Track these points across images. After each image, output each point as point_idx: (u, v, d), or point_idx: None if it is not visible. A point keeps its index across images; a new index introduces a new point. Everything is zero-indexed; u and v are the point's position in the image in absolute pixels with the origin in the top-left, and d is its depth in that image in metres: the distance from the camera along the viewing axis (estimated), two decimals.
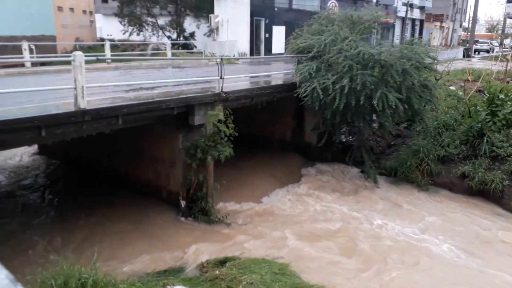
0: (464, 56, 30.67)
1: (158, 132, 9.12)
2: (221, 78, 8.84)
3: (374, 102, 9.73)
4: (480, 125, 11.35)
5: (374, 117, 11.39)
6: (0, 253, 6.72)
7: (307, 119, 12.87)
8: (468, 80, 14.29)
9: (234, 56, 22.24)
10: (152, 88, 9.27)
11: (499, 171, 10.28)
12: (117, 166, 10.50)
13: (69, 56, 6.53)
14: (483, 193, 10.27)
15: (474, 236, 8.60)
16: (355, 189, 11.01)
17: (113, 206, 9.15)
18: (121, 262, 7.03)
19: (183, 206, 8.84)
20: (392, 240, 8.33)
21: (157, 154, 9.40)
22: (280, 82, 11.98)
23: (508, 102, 11.42)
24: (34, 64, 13.37)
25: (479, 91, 13.82)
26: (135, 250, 7.52)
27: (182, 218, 8.79)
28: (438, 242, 8.26)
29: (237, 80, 10.86)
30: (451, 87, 14.91)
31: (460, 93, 13.63)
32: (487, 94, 12.69)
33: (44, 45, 19.44)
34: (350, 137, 13.26)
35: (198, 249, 7.59)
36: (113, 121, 7.29)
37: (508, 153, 10.54)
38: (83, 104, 6.54)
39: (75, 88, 6.44)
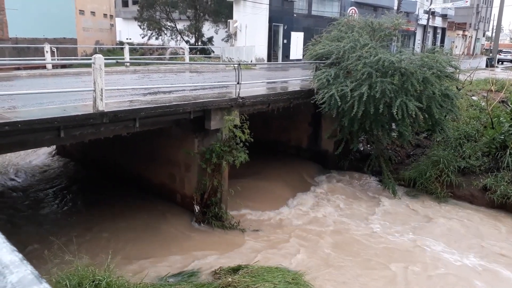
0: (487, 66, 29.96)
1: (174, 135, 9.13)
2: (238, 83, 8.81)
3: (394, 111, 9.54)
4: (503, 137, 11.02)
5: (393, 126, 11.18)
6: None
7: (324, 126, 12.73)
8: (491, 90, 13.91)
9: (251, 61, 22.26)
10: (170, 92, 9.31)
11: None
12: (133, 168, 10.56)
13: (89, 59, 6.60)
14: (505, 207, 9.95)
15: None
16: (372, 199, 10.80)
17: (128, 208, 9.19)
18: (134, 264, 7.02)
19: (197, 211, 8.80)
20: (410, 253, 8.12)
21: (173, 157, 9.41)
22: (297, 88, 11.89)
23: None
24: (55, 66, 13.62)
25: (503, 101, 13.45)
26: (149, 253, 7.50)
27: (196, 224, 8.75)
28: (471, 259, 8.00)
29: (254, 86, 10.83)
30: (473, 97, 14.56)
31: (483, 104, 13.29)
32: (510, 105, 12.33)
33: (65, 48, 19.84)
34: (368, 145, 13.05)
35: (211, 256, 7.54)
36: (130, 124, 7.32)
37: None
38: (102, 107, 6.59)
39: (94, 91, 6.50)
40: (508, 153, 10.62)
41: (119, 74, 13.22)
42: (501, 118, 11.62)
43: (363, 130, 11.00)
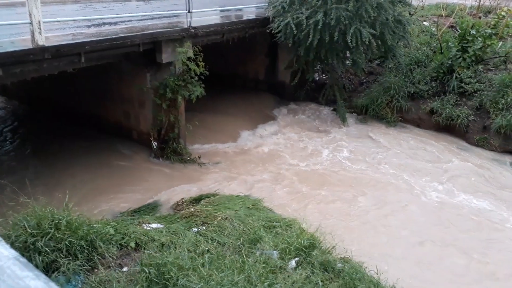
0: None
1: (125, 71, 8.75)
2: (189, 11, 8.38)
3: (348, 38, 9.57)
4: (450, 62, 11.44)
5: (348, 54, 11.26)
6: None
7: (280, 57, 12.58)
8: (442, 16, 14.12)
9: None
10: (116, 23, 8.71)
11: (466, 107, 10.58)
12: (85, 106, 10.13)
13: None
14: (449, 128, 10.63)
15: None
16: (326, 127, 11.16)
17: (82, 148, 8.95)
18: (94, 202, 7.01)
19: (155, 147, 8.75)
20: (358, 173, 8.68)
21: (126, 94, 9.09)
22: (252, 16, 11.51)
23: (479, 38, 11.45)
24: None
25: (452, 26, 13.73)
26: (108, 191, 7.50)
27: (155, 159, 8.74)
28: (397, 174, 8.72)
29: (207, 14, 10.33)
30: (424, 23, 14.74)
31: (433, 29, 13.53)
32: (459, 30, 12.63)
33: None
34: (323, 75, 13.16)
35: (172, 189, 7.67)
36: (75, 59, 6.90)
37: (475, 89, 10.77)
38: (41, 41, 6.13)
39: (31, 23, 5.98)
40: (454, 77, 11.11)
41: (59, 5, 12.05)
42: (449, 43, 11.95)
43: (318, 59, 11.02)
